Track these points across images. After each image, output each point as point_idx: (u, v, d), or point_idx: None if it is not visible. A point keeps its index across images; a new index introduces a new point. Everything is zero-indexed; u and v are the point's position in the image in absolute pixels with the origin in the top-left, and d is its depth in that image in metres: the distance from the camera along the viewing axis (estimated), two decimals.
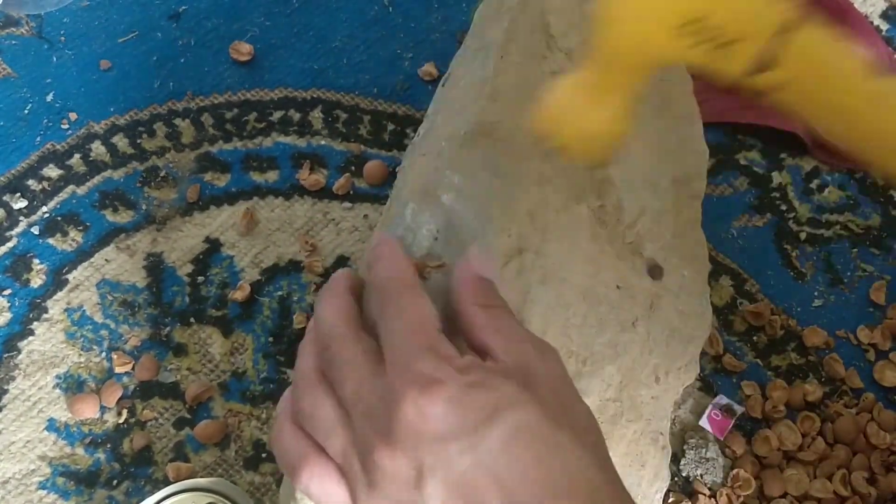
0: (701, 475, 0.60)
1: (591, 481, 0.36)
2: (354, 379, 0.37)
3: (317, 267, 0.65)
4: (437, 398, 0.35)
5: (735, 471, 0.60)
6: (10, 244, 0.65)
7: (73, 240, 0.66)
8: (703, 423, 0.61)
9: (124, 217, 0.67)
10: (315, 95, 0.72)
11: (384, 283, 0.40)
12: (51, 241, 0.66)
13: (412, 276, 0.40)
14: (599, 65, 0.37)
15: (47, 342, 0.62)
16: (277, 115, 0.71)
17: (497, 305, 0.41)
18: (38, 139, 0.69)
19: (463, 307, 0.40)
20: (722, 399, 0.62)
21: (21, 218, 0.66)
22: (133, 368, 0.62)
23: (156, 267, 0.65)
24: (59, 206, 0.67)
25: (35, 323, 0.63)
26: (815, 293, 0.67)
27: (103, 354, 0.62)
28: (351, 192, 0.68)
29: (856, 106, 0.34)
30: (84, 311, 0.64)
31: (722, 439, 0.61)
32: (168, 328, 0.63)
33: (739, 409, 0.61)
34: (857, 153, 0.36)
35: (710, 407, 0.62)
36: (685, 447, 0.61)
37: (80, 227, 0.66)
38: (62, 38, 0.73)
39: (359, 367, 0.37)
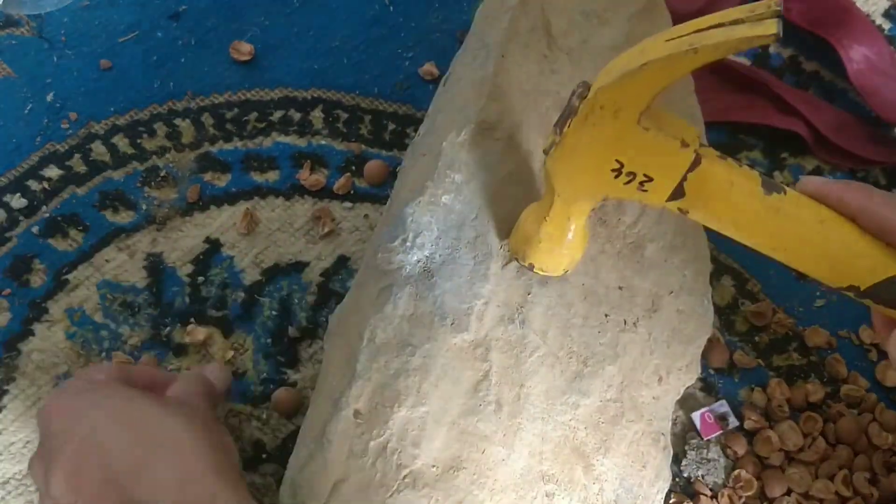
0: (702, 476, 0.60)
1: (176, 437, 0.47)
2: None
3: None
4: (52, 400, 0.51)
5: (736, 472, 0.60)
6: (10, 244, 0.65)
7: (74, 240, 0.66)
8: (695, 417, 0.61)
9: (124, 217, 0.67)
10: (315, 95, 0.72)
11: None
12: (51, 241, 0.65)
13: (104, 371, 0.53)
14: (558, 202, 0.45)
15: (47, 343, 0.62)
16: (278, 114, 0.71)
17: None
18: (39, 139, 0.69)
19: None
20: (722, 406, 0.62)
21: (21, 218, 0.66)
22: None
23: (156, 267, 0.65)
24: (59, 207, 0.67)
25: (35, 323, 0.63)
26: (817, 293, 0.67)
27: (103, 355, 0.62)
28: (351, 192, 0.68)
29: (756, 220, 0.41)
30: (84, 311, 0.63)
31: (704, 440, 0.61)
32: (168, 328, 0.63)
33: (733, 423, 0.61)
34: (767, 255, 0.43)
35: (707, 408, 0.62)
36: (686, 448, 0.61)
37: (81, 228, 0.66)
38: (62, 38, 0.73)
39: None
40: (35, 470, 0.48)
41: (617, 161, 0.41)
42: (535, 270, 0.49)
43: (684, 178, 0.41)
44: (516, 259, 0.49)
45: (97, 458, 0.45)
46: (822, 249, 0.41)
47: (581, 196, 0.44)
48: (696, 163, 0.40)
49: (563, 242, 0.47)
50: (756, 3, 0.37)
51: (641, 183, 0.42)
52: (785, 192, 0.41)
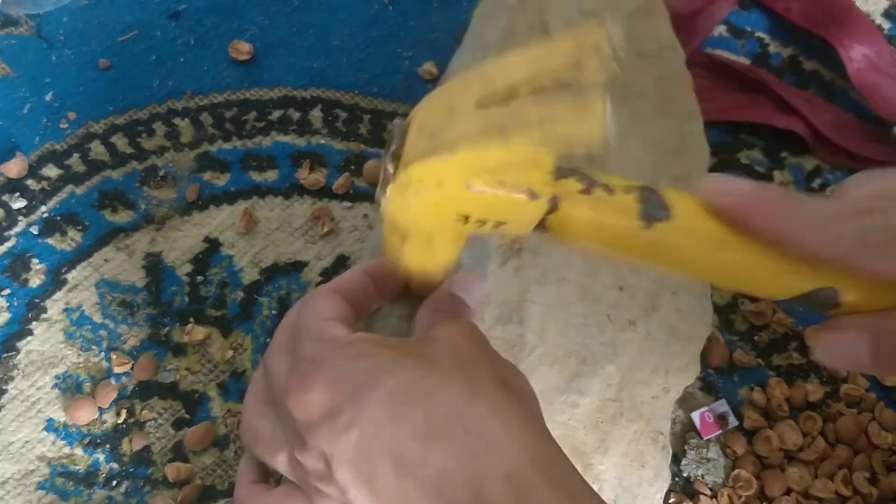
0: (702, 475, 0.60)
1: (492, 431, 0.34)
2: (281, 390, 0.37)
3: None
4: (315, 381, 0.34)
5: (736, 471, 0.59)
6: (8, 244, 0.65)
7: (72, 239, 0.66)
8: (694, 416, 0.61)
9: (123, 217, 0.67)
10: (314, 94, 0.72)
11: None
12: (50, 240, 0.65)
13: (332, 285, 0.40)
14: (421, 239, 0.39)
15: (46, 342, 0.62)
16: (277, 114, 0.71)
17: (444, 310, 0.41)
18: (37, 139, 0.69)
19: (419, 309, 0.41)
20: (722, 405, 0.61)
21: (20, 218, 0.66)
22: (132, 368, 0.62)
23: (155, 267, 0.65)
24: (58, 206, 0.67)
25: (34, 323, 0.63)
26: None
27: (102, 354, 0.62)
28: (351, 192, 0.68)
29: (637, 250, 0.36)
30: (83, 311, 0.63)
31: (703, 439, 0.61)
32: (167, 328, 0.63)
33: (733, 423, 0.61)
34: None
35: (707, 407, 0.61)
36: (686, 447, 0.61)
37: (79, 227, 0.66)
38: (61, 38, 0.73)
39: (283, 377, 0.37)
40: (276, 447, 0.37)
41: (460, 214, 0.35)
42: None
43: (543, 220, 0.36)
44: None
45: (389, 457, 0.33)
46: (722, 272, 0.36)
47: (438, 237, 0.39)
48: (552, 209, 0.35)
49: (434, 268, 0.41)
50: (582, 45, 0.33)
51: (497, 225, 0.36)
52: (670, 219, 0.35)
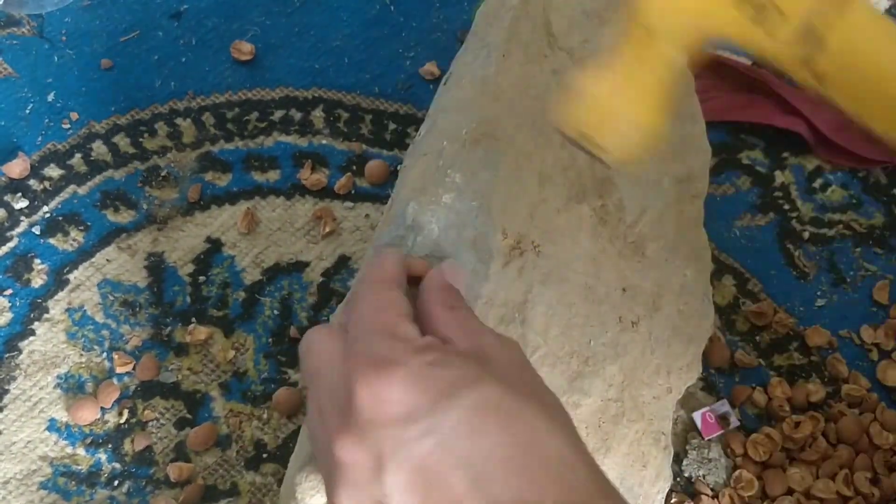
0: (703, 476, 0.60)
1: (561, 457, 0.34)
2: (328, 369, 0.36)
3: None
4: (393, 379, 0.34)
5: (737, 472, 0.60)
6: (11, 244, 0.65)
7: (75, 240, 0.66)
8: (696, 417, 0.61)
9: (125, 217, 0.67)
10: (316, 95, 0.72)
11: (364, 281, 0.40)
12: (52, 240, 0.66)
13: (390, 274, 0.40)
14: (638, 43, 0.34)
15: (48, 342, 0.62)
16: (279, 114, 0.71)
17: (461, 307, 0.41)
18: (40, 139, 0.69)
19: (428, 307, 0.40)
20: (723, 405, 0.61)
21: (22, 218, 0.66)
22: (134, 368, 0.62)
23: (157, 267, 0.65)
24: (60, 206, 0.67)
25: (36, 323, 0.63)
26: (818, 293, 0.67)
27: (104, 354, 0.62)
28: (352, 192, 0.68)
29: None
30: (85, 311, 0.63)
31: (704, 440, 0.61)
32: (169, 328, 0.63)
33: (734, 423, 0.61)
34: None
35: (708, 407, 0.62)
36: (688, 447, 0.61)
37: (82, 227, 0.66)
38: (63, 38, 0.73)
39: (333, 357, 0.37)
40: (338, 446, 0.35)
41: None
42: (592, 150, 0.37)
43: (827, 18, 0.31)
44: (567, 138, 0.36)
45: (463, 469, 0.33)
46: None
47: (681, 32, 0.34)
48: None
49: (639, 113, 0.35)
50: None
51: (764, 12, 0.31)
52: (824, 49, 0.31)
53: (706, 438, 0.61)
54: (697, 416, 0.61)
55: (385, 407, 0.34)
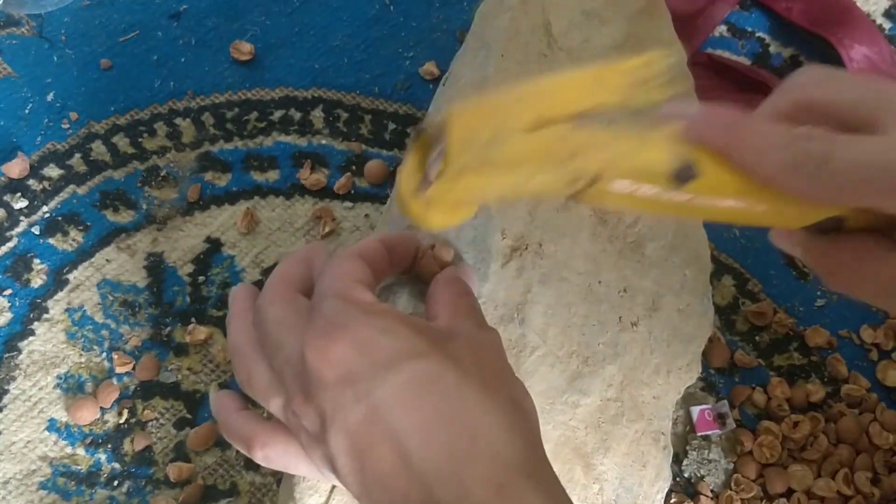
0: (703, 476, 0.60)
1: (491, 435, 0.34)
2: (283, 337, 0.37)
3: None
4: (337, 341, 0.34)
5: (736, 474, 0.60)
6: (10, 244, 0.65)
7: (74, 240, 0.66)
8: (694, 412, 0.61)
9: (125, 217, 0.67)
10: (316, 94, 0.72)
11: (332, 255, 0.41)
12: (51, 241, 0.65)
13: (360, 250, 0.40)
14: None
15: (48, 342, 0.62)
16: (278, 114, 0.71)
17: (466, 294, 0.41)
18: (39, 139, 0.69)
19: (436, 288, 0.41)
20: (724, 406, 0.61)
21: (21, 218, 0.66)
22: (134, 368, 0.62)
23: (156, 267, 0.65)
24: (59, 206, 0.67)
25: (35, 323, 0.63)
26: (818, 293, 0.67)
27: (104, 354, 0.62)
28: (352, 192, 0.68)
29: (665, 211, 0.36)
30: (85, 311, 0.63)
31: (701, 438, 0.61)
32: (169, 328, 0.63)
33: (731, 425, 0.61)
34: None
35: (708, 406, 0.62)
36: (688, 448, 0.61)
37: (81, 227, 0.66)
38: (63, 38, 0.73)
39: (288, 324, 0.37)
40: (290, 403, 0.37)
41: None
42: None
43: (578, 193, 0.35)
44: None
45: (390, 442, 0.34)
46: (749, 215, 0.36)
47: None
48: (592, 183, 0.35)
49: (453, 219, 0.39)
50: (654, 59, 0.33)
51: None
52: (698, 177, 0.34)
53: (699, 434, 0.61)
54: (695, 411, 0.61)
55: (329, 367, 0.34)
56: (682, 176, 0.34)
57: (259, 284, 0.64)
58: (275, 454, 0.39)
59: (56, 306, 0.64)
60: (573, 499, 0.50)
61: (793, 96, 0.35)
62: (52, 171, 0.68)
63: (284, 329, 0.37)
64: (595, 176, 0.34)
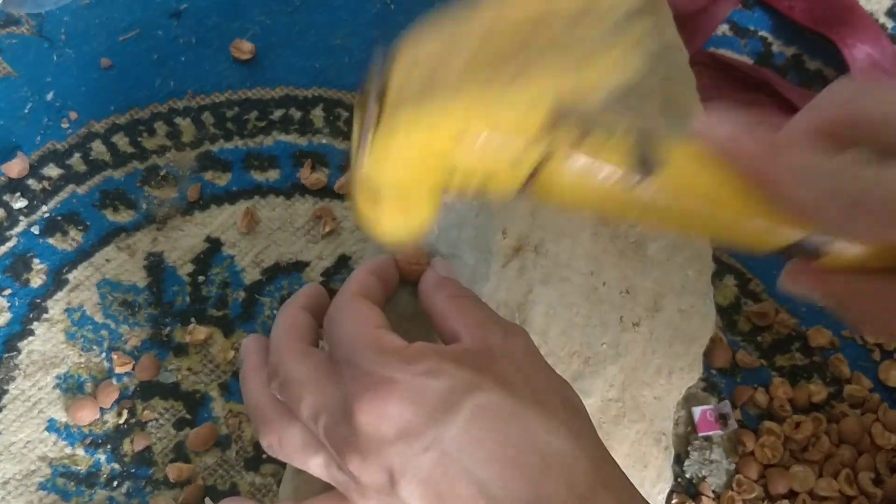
0: (705, 476, 0.60)
1: (560, 453, 0.35)
2: (311, 395, 0.37)
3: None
4: (389, 398, 0.34)
5: (738, 475, 0.59)
6: (10, 244, 0.65)
7: (74, 239, 0.65)
8: (695, 411, 0.61)
9: (125, 216, 0.66)
10: (316, 94, 0.71)
11: (335, 301, 0.40)
12: (51, 240, 0.65)
13: (358, 288, 0.40)
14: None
15: (47, 342, 0.62)
16: (278, 113, 0.71)
17: (463, 295, 0.41)
18: (39, 138, 0.69)
19: (430, 301, 0.41)
20: (726, 406, 0.61)
21: (21, 217, 0.66)
22: (133, 369, 0.62)
23: (156, 266, 0.65)
24: (59, 206, 0.67)
25: (35, 323, 0.63)
26: None
27: (103, 354, 0.62)
28: None
29: (623, 209, 0.34)
30: (84, 311, 0.63)
31: (703, 439, 0.60)
32: (168, 328, 0.63)
33: (732, 426, 0.61)
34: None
35: (710, 406, 0.61)
36: (689, 448, 0.61)
37: (81, 227, 0.66)
38: (63, 37, 0.73)
39: (313, 382, 0.37)
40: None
41: (447, 166, 0.33)
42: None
43: (530, 179, 0.33)
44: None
45: (467, 480, 0.34)
46: (713, 226, 0.34)
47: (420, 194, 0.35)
48: (543, 160, 0.32)
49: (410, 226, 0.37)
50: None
51: (482, 183, 0.33)
52: (664, 167, 0.32)
53: (700, 434, 0.60)
54: (697, 412, 0.61)
55: (387, 425, 0.34)
56: (647, 162, 0.32)
57: (258, 284, 0.64)
58: (284, 454, 0.39)
59: (55, 306, 0.63)
60: None
61: (833, 113, 0.32)
62: (52, 171, 0.68)
63: (307, 388, 0.37)
64: (548, 150, 0.32)
